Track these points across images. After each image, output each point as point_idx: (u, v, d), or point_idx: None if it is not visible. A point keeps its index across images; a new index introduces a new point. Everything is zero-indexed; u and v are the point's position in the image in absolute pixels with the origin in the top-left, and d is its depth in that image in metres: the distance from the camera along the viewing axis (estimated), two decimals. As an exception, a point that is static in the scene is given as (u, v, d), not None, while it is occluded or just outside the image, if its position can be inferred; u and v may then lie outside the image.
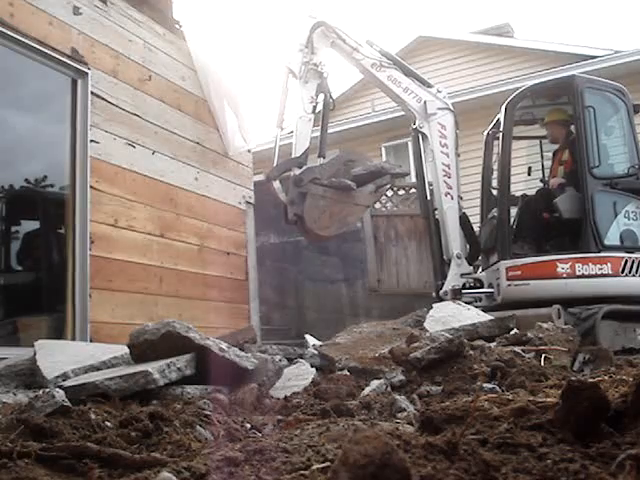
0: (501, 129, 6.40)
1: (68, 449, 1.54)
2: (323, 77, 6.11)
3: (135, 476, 1.40)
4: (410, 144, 7.19)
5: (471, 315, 4.52)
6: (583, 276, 5.65)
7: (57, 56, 4.47)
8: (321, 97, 6.17)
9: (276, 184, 5.82)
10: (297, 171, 5.76)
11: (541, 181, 6.89)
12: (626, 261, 5.68)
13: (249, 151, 6.68)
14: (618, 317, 5.31)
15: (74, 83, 4.67)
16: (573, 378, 1.59)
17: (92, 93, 4.70)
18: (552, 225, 6.10)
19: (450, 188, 6.43)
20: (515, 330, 3.97)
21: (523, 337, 3.59)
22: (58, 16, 4.50)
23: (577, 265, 5.68)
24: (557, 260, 5.77)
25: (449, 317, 4.47)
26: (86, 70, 4.68)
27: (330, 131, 11.76)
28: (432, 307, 4.93)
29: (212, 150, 6.07)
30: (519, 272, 5.92)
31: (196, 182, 5.75)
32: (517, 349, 3.25)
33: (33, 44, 4.28)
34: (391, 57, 6.59)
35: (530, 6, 45.85)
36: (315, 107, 6.13)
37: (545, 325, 3.87)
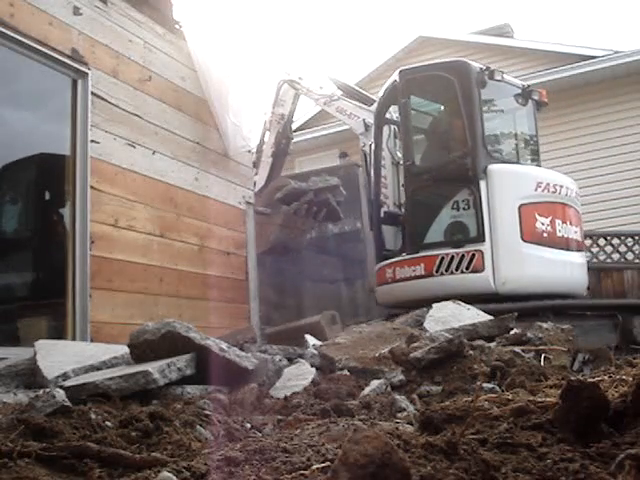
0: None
1: (68, 449, 1.54)
2: (284, 126, 7.39)
3: (135, 476, 1.40)
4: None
5: (471, 315, 4.52)
6: (402, 280, 5.44)
7: (57, 56, 4.46)
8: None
9: None
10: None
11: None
12: (442, 259, 5.15)
13: (249, 151, 6.68)
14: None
15: (74, 83, 4.66)
16: (573, 378, 1.59)
17: (92, 93, 4.69)
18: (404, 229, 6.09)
19: (387, 198, 6.50)
20: (514, 330, 3.97)
21: (523, 337, 3.59)
22: (58, 16, 4.49)
23: (397, 269, 5.52)
24: (385, 266, 5.74)
25: (449, 317, 4.46)
26: (86, 70, 4.67)
27: (330, 131, 11.89)
28: (432, 307, 4.92)
29: (212, 150, 6.07)
30: (375, 279, 6.15)
31: (196, 182, 5.75)
32: (517, 349, 3.24)
33: (33, 44, 4.28)
34: (345, 88, 7.39)
35: (530, 6, 45.87)
36: (274, 152, 7.43)
37: (545, 325, 3.87)
